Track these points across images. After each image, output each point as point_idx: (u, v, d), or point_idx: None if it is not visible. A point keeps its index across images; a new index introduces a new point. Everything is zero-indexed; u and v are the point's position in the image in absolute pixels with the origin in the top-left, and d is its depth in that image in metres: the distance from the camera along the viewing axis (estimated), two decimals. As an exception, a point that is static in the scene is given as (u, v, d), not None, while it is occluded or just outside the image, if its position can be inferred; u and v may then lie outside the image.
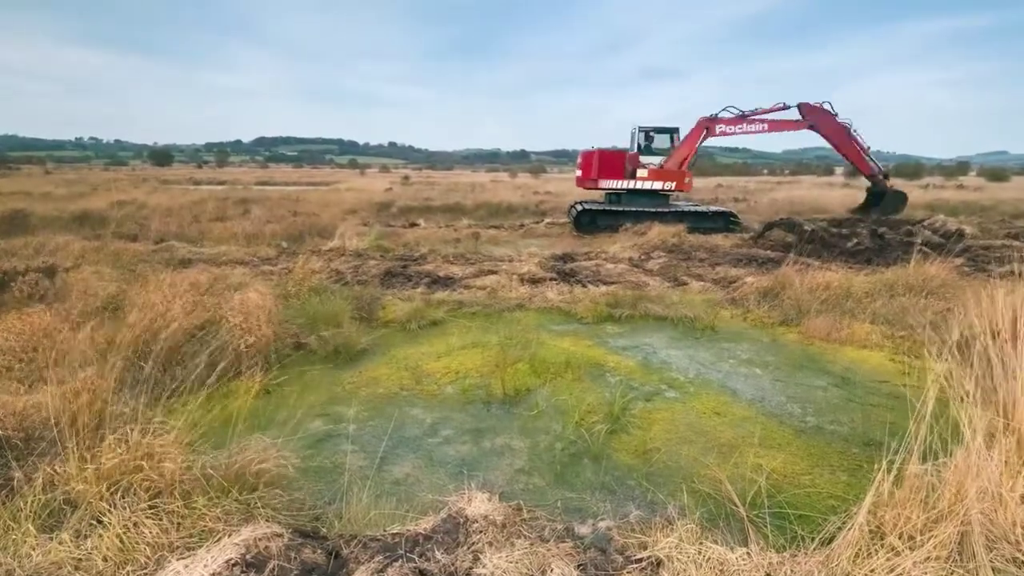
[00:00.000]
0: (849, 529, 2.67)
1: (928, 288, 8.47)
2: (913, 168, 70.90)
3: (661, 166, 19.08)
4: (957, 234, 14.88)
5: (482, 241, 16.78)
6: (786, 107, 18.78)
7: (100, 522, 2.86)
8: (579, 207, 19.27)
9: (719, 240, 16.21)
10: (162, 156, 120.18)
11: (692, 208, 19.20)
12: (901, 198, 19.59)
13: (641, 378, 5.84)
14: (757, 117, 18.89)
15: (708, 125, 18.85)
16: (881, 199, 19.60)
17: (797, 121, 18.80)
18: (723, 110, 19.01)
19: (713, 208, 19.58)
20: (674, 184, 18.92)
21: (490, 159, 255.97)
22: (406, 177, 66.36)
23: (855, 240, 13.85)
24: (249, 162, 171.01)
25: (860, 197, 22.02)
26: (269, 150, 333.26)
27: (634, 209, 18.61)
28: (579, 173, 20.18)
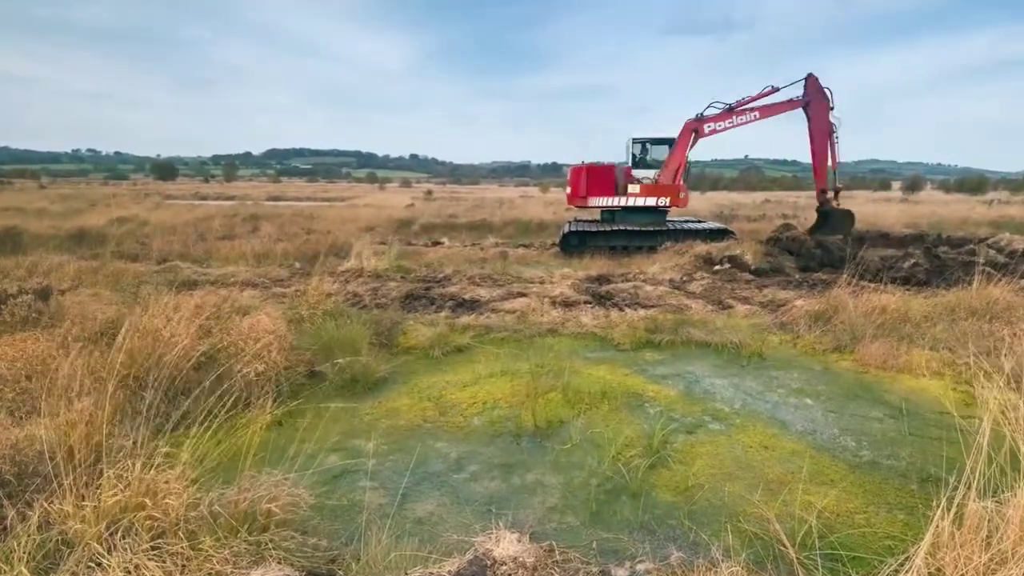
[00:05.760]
0: (907, 572, 2.66)
1: (992, 312, 8.36)
2: (976, 182, 69.88)
3: (656, 180, 19.01)
4: (1023, 253, 14.68)
5: (510, 261, 16.87)
6: (775, 89, 18.29)
7: (99, 564, 2.88)
8: (568, 227, 19.15)
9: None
10: (166, 169, 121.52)
11: (691, 226, 19.05)
12: (849, 217, 18.76)
13: (683, 409, 5.83)
14: (747, 107, 18.42)
15: (696, 127, 18.51)
16: (828, 219, 18.78)
17: (790, 101, 18.24)
18: (708, 106, 18.62)
19: (715, 225, 19.49)
20: (668, 199, 18.78)
21: (519, 172, 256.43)
22: (429, 192, 66.92)
23: (911, 260, 13.75)
24: (259, 176, 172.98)
25: (914, 212, 21.65)
26: (281, 163, 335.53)
27: (627, 228, 18.48)
28: (568, 190, 20.02)
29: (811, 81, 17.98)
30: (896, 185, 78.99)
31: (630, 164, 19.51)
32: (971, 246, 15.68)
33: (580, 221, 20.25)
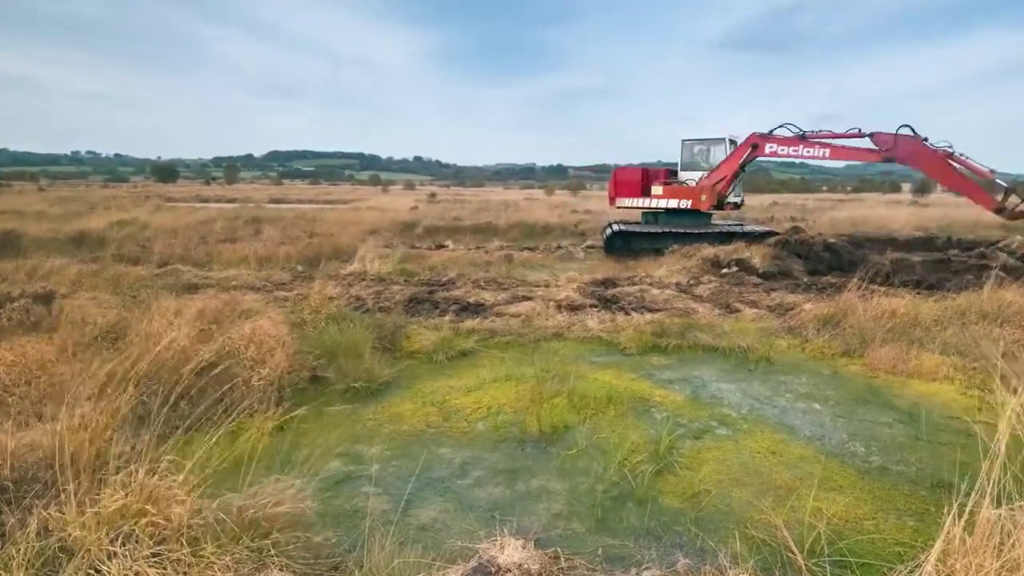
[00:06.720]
0: (917, 579, 2.66)
1: (1003, 315, 8.35)
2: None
3: (699, 183, 18.96)
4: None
5: (515, 264, 16.85)
6: (861, 134, 16.37)
7: (98, 571, 2.88)
8: (612, 228, 19.38)
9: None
10: (166, 171, 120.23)
11: (738, 229, 18.99)
12: None
13: (690, 414, 5.83)
14: (819, 140, 16.97)
15: (757, 142, 17.94)
16: None
17: (870, 151, 16.19)
18: (779, 127, 17.75)
19: (760, 228, 19.43)
20: (690, 202, 18.67)
21: (524, 175, 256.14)
22: (433, 194, 66.89)
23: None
24: (261, 178, 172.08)
25: (924, 214, 21.23)
26: (283, 165, 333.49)
27: (671, 230, 18.41)
28: (611, 192, 20.91)
29: (879, 138, 15.95)
30: (906, 187, 78.78)
31: (679, 167, 19.63)
32: (982, 249, 15.64)
33: (622, 223, 20.35)
